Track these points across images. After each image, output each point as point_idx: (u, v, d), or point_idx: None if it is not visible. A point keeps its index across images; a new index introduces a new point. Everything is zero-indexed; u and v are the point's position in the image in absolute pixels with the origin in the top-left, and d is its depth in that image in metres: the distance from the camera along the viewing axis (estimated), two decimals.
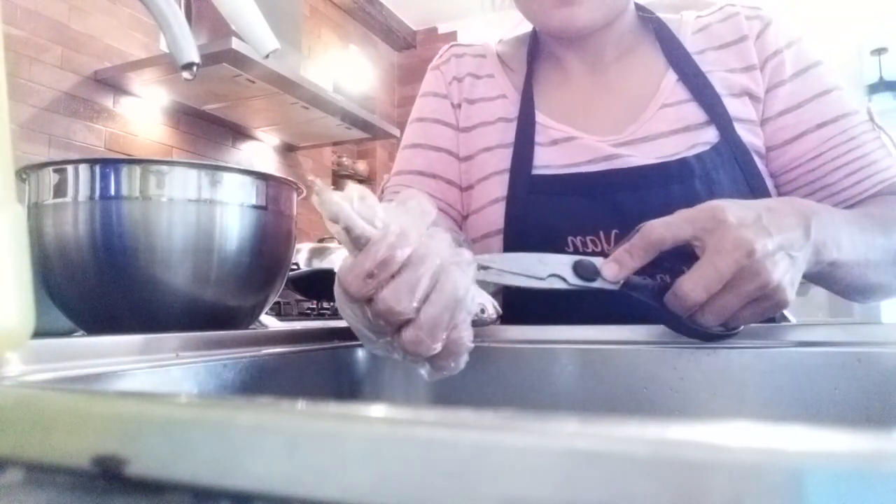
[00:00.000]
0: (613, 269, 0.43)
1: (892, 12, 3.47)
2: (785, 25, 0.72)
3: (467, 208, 0.77)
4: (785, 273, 0.43)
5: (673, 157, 0.66)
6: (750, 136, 0.68)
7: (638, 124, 0.70)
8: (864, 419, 0.46)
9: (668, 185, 0.65)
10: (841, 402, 0.47)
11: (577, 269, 0.43)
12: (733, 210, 0.43)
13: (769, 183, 0.68)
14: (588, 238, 0.66)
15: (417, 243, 0.36)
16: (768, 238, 0.43)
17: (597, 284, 0.43)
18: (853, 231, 0.51)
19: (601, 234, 0.66)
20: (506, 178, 0.71)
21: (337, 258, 2.04)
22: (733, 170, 0.66)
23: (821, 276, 0.51)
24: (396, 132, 2.78)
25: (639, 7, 0.77)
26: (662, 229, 0.42)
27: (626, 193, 0.66)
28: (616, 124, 0.71)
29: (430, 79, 0.84)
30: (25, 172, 0.58)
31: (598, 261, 0.44)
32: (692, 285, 0.43)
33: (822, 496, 0.13)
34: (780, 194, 0.70)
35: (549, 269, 0.42)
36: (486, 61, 0.81)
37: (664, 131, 0.69)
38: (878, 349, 0.47)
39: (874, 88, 3.72)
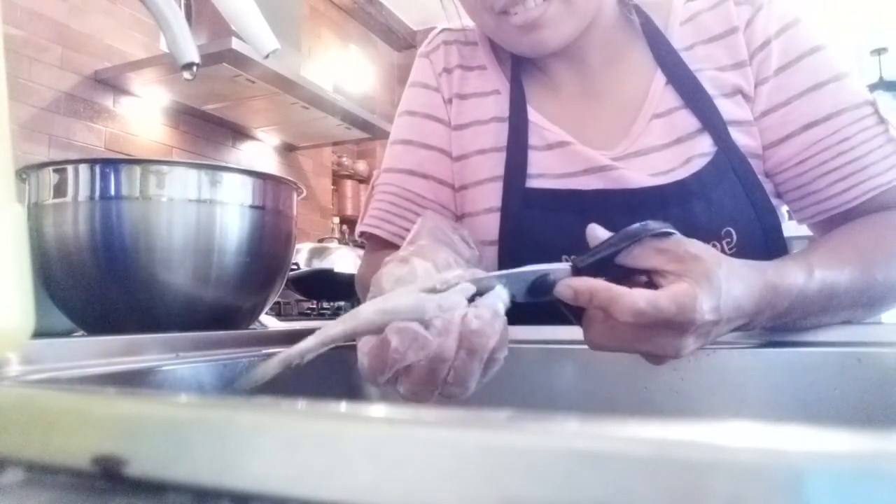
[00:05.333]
0: (568, 295, 0.41)
1: (892, 12, 3.47)
2: (779, 8, 0.66)
3: (460, 209, 0.74)
4: (678, 358, 0.43)
5: (668, 173, 0.64)
6: (747, 139, 0.65)
7: (630, 140, 0.67)
8: (864, 419, 0.46)
9: (666, 209, 0.62)
10: (841, 402, 0.47)
11: (533, 285, 0.42)
12: (707, 309, 0.40)
13: (768, 187, 0.65)
14: None
15: (435, 337, 0.36)
16: (701, 343, 0.42)
17: (544, 299, 0.42)
18: (812, 301, 0.48)
19: None
20: (500, 186, 0.69)
21: (337, 258, 2.04)
22: (732, 183, 0.63)
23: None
24: (391, 133, 2.77)
25: (622, 1, 0.72)
26: (632, 318, 0.39)
27: (622, 216, 0.62)
28: (607, 138, 0.68)
29: (419, 67, 0.80)
30: (25, 172, 0.58)
31: (559, 272, 0.42)
32: (600, 341, 0.42)
33: (822, 496, 0.13)
34: (778, 195, 0.67)
35: (510, 289, 0.42)
36: (477, 50, 0.77)
37: (656, 145, 0.66)
38: (878, 349, 0.47)
39: (874, 88, 3.72)
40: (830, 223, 0.63)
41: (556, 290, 0.42)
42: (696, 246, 0.42)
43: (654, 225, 0.43)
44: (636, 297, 0.39)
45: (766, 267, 0.46)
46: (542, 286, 0.42)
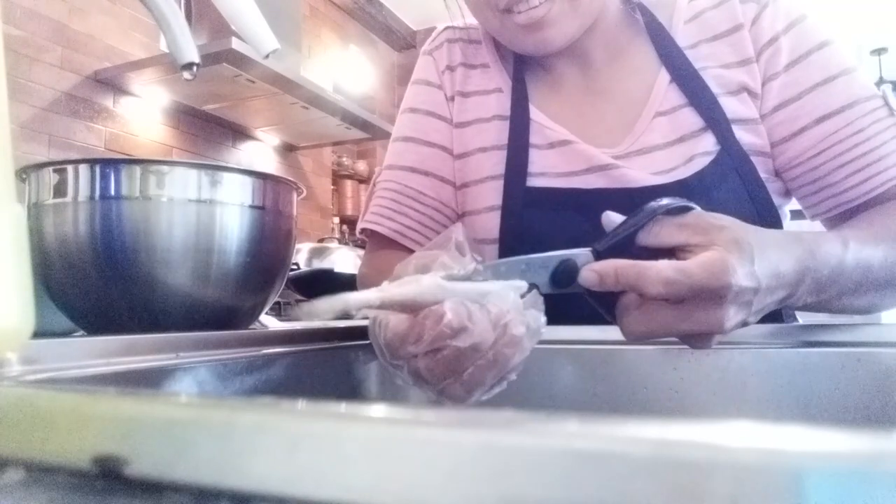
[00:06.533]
0: (593, 280, 0.39)
1: (892, 12, 3.47)
2: (785, 5, 0.66)
3: (461, 207, 0.74)
4: (723, 338, 0.41)
5: (670, 171, 0.64)
6: (751, 137, 0.65)
7: (633, 137, 0.67)
8: (864, 419, 0.46)
9: None
10: (841, 402, 0.47)
11: (556, 273, 0.40)
12: (743, 274, 0.38)
13: (772, 187, 0.65)
14: None
15: (479, 331, 0.34)
16: (744, 316, 0.40)
17: (569, 290, 0.40)
18: (846, 277, 0.47)
19: None
20: (501, 184, 0.69)
21: (337, 258, 2.04)
22: (734, 182, 0.63)
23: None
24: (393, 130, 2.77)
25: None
26: (664, 287, 0.37)
27: (623, 214, 0.64)
28: (610, 136, 0.68)
29: (422, 64, 0.80)
30: (25, 172, 0.58)
31: (581, 257, 0.41)
32: (637, 329, 0.40)
33: (822, 496, 0.13)
34: (789, 191, 0.67)
35: (529, 278, 0.40)
36: (480, 49, 0.78)
37: (659, 143, 0.66)
38: (878, 349, 0.47)
39: None
40: (845, 217, 0.63)
41: (580, 277, 0.40)
42: (719, 218, 0.41)
43: (669, 200, 0.41)
44: (662, 267, 0.38)
45: (802, 234, 0.45)
46: (564, 273, 0.40)
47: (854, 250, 0.47)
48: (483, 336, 0.35)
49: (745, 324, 0.41)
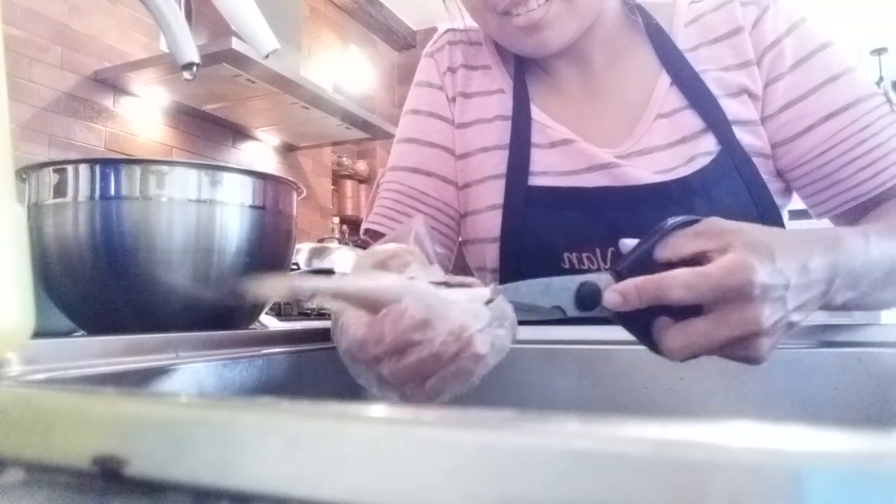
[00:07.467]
0: (616, 300, 0.40)
1: (893, 12, 3.47)
2: (786, 7, 0.67)
3: (463, 207, 0.75)
4: (774, 344, 0.40)
5: (671, 171, 0.64)
6: (751, 139, 0.65)
7: (634, 139, 0.67)
8: (864, 419, 0.46)
9: (668, 206, 0.62)
10: (841, 402, 0.47)
11: (579, 296, 0.40)
12: (765, 272, 0.38)
13: (773, 187, 0.65)
14: (584, 255, 0.64)
15: (440, 341, 0.34)
16: (782, 314, 0.39)
17: (595, 313, 0.41)
18: (878, 270, 0.46)
19: (597, 251, 0.64)
20: (503, 183, 0.70)
21: (337, 258, 2.04)
22: (735, 181, 0.64)
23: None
24: (396, 132, 2.77)
25: (625, 1, 0.72)
26: (684, 291, 0.38)
27: (624, 212, 0.63)
28: (611, 136, 0.69)
29: (424, 66, 0.81)
30: (25, 172, 0.58)
31: (603, 279, 0.41)
32: (677, 345, 0.40)
33: (822, 496, 0.13)
34: (792, 191, 0.68)
35: (551, 300, 0.40)
36: (481, 50, 0.78)
37: (660, 144, 0.66)
38: (878, 349, 0.47)
39: None
40: (853, 213, 0.64)
41: (604, 300, 0.40)
42: (732, 223, 0.41)
43: (681, 218, 0.42)
44: (680, 273, 0.38)
45: (819, 230, 0.45)
46: (588, 296, 0.40)
47: (876, 242, 0.47)
48: (445, 347, 0.34)
49: (790, 325, 0.40)
